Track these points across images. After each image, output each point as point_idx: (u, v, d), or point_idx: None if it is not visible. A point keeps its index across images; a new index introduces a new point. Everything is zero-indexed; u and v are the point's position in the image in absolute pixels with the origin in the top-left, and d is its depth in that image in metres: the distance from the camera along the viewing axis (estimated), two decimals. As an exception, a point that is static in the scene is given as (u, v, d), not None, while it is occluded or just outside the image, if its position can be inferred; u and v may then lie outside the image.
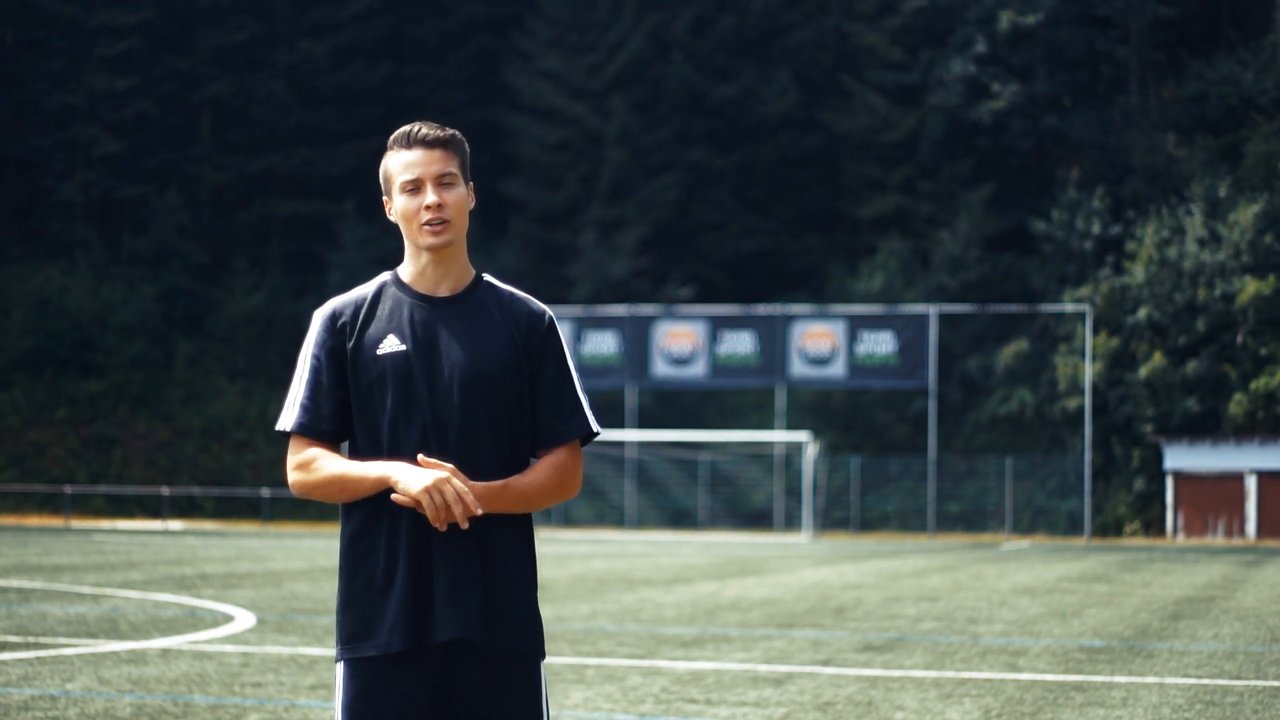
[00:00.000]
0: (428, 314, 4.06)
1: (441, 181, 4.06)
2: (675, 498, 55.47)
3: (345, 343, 4.06)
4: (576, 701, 10.11)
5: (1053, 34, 61.02)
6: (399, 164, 4.07)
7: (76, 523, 51.15)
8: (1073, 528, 51.63)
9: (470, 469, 3.97)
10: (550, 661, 11.93)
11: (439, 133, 4.07)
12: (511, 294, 4.15)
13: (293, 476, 4.03)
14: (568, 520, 53.82)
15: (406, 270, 4.13)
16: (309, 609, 17.20)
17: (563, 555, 31.78)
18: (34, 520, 52.79)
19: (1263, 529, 49.34)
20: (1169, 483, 50.88)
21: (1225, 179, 55.46)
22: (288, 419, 4.04)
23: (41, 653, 12.44)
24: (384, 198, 4.14)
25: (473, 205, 4.14)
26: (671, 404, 58.85)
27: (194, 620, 15.66)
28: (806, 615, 17.33)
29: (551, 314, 4.16)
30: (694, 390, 57.15)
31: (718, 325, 54.04)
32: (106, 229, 66.85)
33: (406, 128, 4.10)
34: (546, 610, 16.05)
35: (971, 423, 56.57)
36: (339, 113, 68.65)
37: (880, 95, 64.49)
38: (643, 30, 66.84)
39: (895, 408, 57.71)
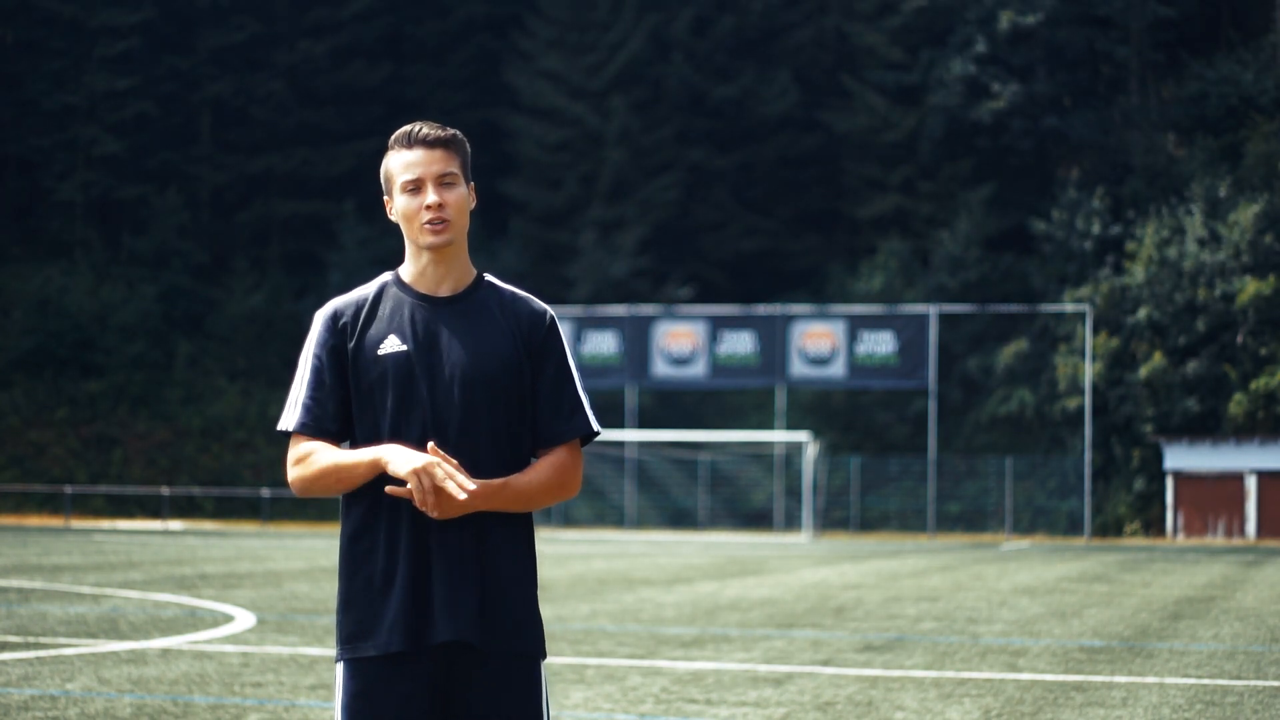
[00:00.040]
0: (429, 314, 4.06)
1: (442, 181, 4.06)
2: (675, 498, 55.47)
3: (346, 342, 4.06)
4: (576, 701, 10.11)
5: (1053, 34, 61.02)
6: (400, 164, 4.07)
7: (76, 523, 51.15)
8: (1073, 528, 51.63)
9: (471, 468, 3.97)
10: (550, 661, 11.93)
11: (440, 132, 4.07)
12: (513, 293, 4.15)
13: (291, 474, 4.03)
14: (568, 520, 53.81)
15: (407, 270, 4.13)
16: (309, 609, 17.20)
17: (563, 555, 31.78)
18: (34, 520, 52.79)
19: (1263, 529, 49.34)
20: (1169, 483, 50.88)
21: (1225, 179, 55.46)
22: (289, 419, 4.04)
23: (41, 653, 12.44)
24: (385, 197, 4.14)
25: (474, 205, 4.14)
26: (671, 404, 58.85)
27: (194, 620, 15.66)
28: (806, 615, 17.33)
29: (553, 313, 4.16)
30: (694, 390, 57.15)
31: (718, 325, 54.05)
32: (106, 229, 66.85)
33: (407, 127, 4.10)
34: (546, 610, 16.05)
35: (971, 423, 56.57)
36: (339, 113, 68.65)
37: (880, 95, 64.50)
38: (643, 30, 66.84)
39: (895, 408, 57.71)
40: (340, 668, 4.03)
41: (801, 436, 50.41)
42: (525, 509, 4.05)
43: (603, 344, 54.31)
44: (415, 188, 4.06)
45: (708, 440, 53.32)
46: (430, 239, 4.04)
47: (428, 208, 4.04)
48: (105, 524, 51.04)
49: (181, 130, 68.31)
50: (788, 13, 67.90)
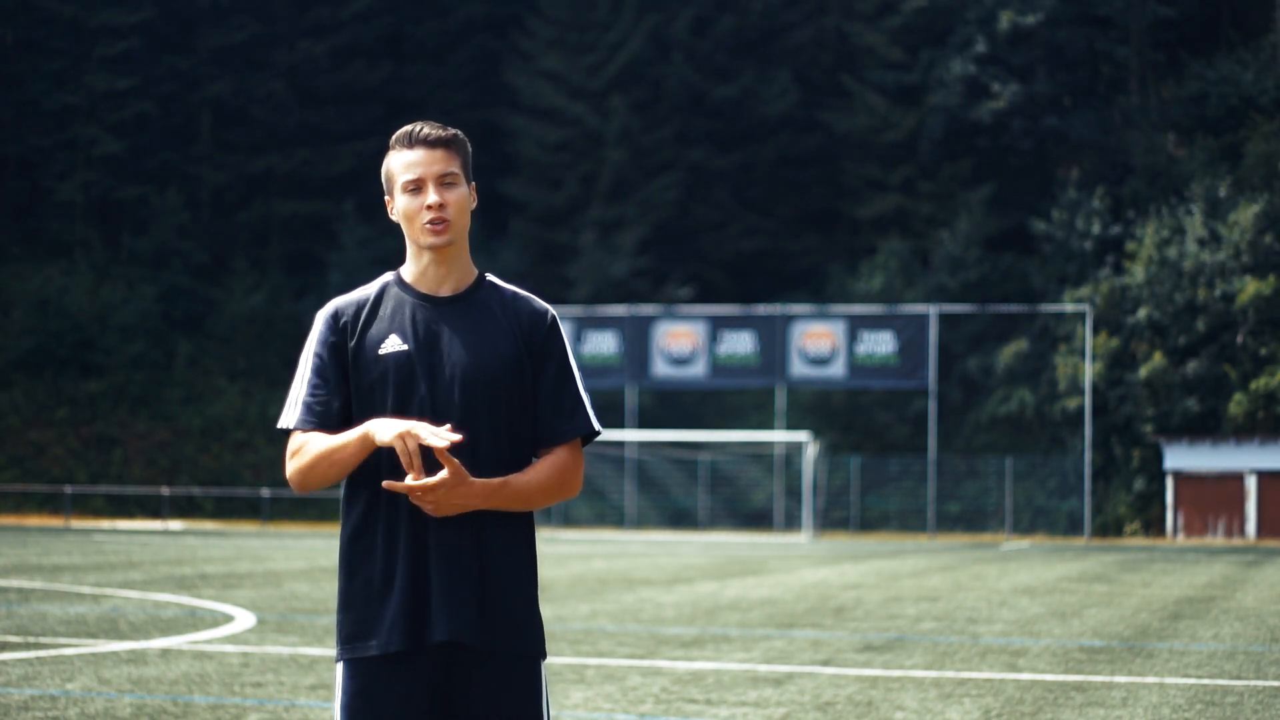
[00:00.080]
0: (430, 314, 4.06)
1: (443, 181, 4.06)
2: (675, 498, 55.46)
3: (347, 341, 4.06)
4: (576, 701, 10.11)
5: (1053, 34, 61.02)
6: (401, 164, 4.07)
7: (76, 523, 51.15)
8: (1073, 528, 51.64)
9: (471, 468, 3.97)
10: (550, 661, 11.93)
11: (441, 132, 4.07)
12: (514, 293, 4.15)
13: (289, 468, 4.03)
14: (568, 520, 53.82)
15: (409, 270, 4.13)
16: (309, 609, 17.20)
17: (563, 555, 31.78)
18: (34, 520, 52.79)
19: (1263, 529, 49.34)
20: (1169, 483, 50.88)
21: (1225, 179, 55.47)
22: (289, 417, 4.04)
23: (41, 653, 12.44)
24: (386, 197, 4.14)
25: (474, 205, 4.14)
26: (671, 404, 58.85)
27: (194, 620, 15.66)
28: (806, 615, 17.33)
29: (554, 313, 4.16)
30: (694, 390, 57.16)
31: (718, 325, 54.05)
32: (106, 229, 66.86)
33: (408, 127, 4.10)
34: (546, 610, 16.06)
35: (971, 423, 56.58)
36: (339, 113, 68.66)
37: (880, 95, 64.50)
38: (643, 30, 66.84)
39: (895, 408, 57.71)
40: (340, 668, 4.03)
41: (801, 436, 50.41)
42: (525, 508, 4.05)
43: (603, 344, 54.31)
44: (416, 188, 4.06)
45: (708, 440, 53.32)
46: (431, 239, 4.04)
47: (429, 207, 4.04)
48: (105, 524, 51.04)
49: (181, 130, 68.32)
50: (788, 13, 67.90)
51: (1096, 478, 53.05)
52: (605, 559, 30.80)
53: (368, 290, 4.14)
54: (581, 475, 4.14)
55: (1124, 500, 52.42)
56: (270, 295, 64.12)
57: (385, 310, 4.08)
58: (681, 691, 10.69)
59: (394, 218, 4.11)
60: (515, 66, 67.69)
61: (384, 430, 3.88)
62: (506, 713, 4.00)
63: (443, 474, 3.87)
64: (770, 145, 67.02)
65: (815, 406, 57.44)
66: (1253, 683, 11.67)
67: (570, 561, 29.10)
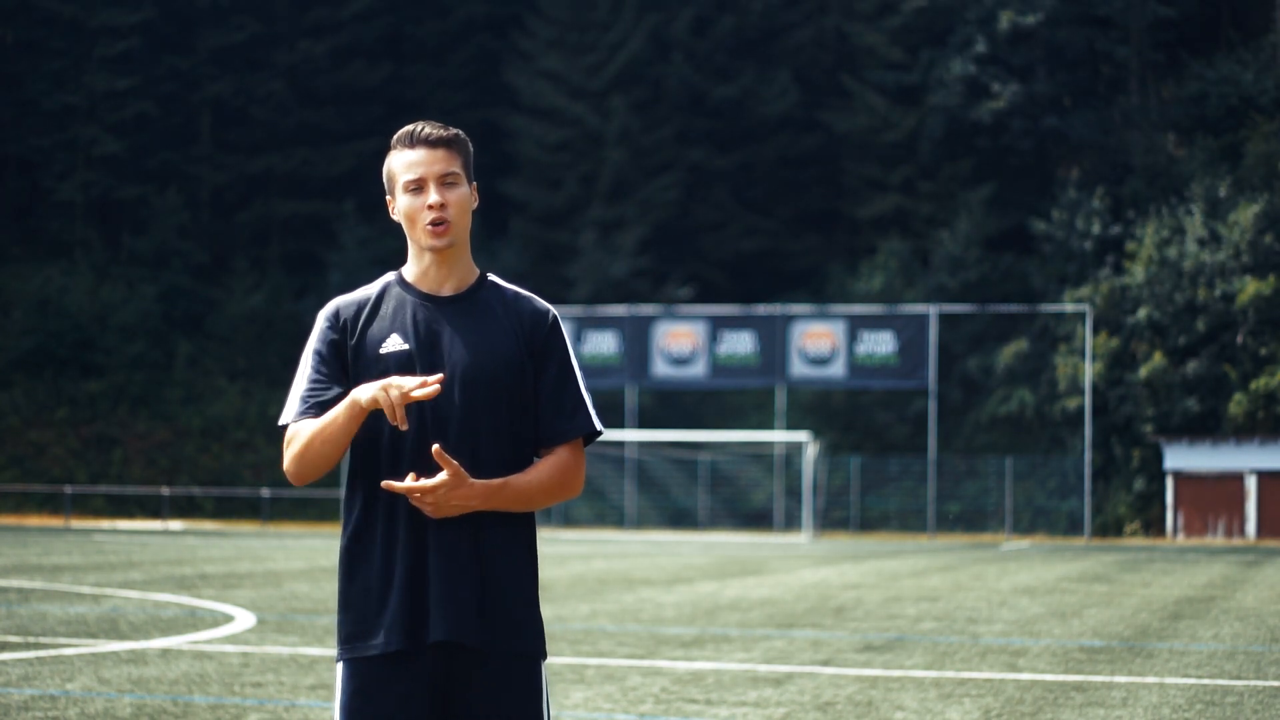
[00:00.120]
0: (431, 313, 4.06)
1: (444, 181, 4.06)
2: (675, 498, 55.47)
3: (347, 340, 4.06)
4: (576, 701, 10.11)
5: (1053, 34, 61.02)
6: (402, 163, 4.07)
7: (76, 523, 51.15)
8: (1073, 528, 51.63)
9: (471, 468, 3.97)
10: (550, 661, 11.93)
11: (442, 132, 4.07)
12: (515, 293, 4.15)
13: (286, 459, 4.02)
14: (568, 520, 53.82)
15: (410, 270, 4.13)
16: (309, 609, 17.20)
17: (563, 555, 31.78)
18: (34, 520, 52.79)
19: (1263, 529, 49.34)
20: (1169, 483, 50.87)
21: (1225, 179, 55.46)
22: (289, 413, 4.04)
23: (41, 653, 12.44)
24: (387, 197, 4.14)
25: (476, 205, 4.14)
26: (671, 404, 58.86)
27: (194, 620, 15.66)
28: (806, 615, 17.33)
29: (555, 312, 4.16)
30: (694, 390, 57.15)
31: (718, 325, 54.05)
32: (106, 229, 66.85)
33: (410, 127, 4.09)
34: (546, 610, 16.05)
35: (971, 423, 56.57)
36: (339, 113, 68.65)
37: (880, 95, 64.50)
38: (643, 30, 66.84)
39: (895, 408, 57.71)
40: (340, 667, 4.04)
41: (801, 436, 50.41)
42: (526, 509, 4.04)
43: (603, 344, 54.31)
44: (417, 187, 4.06)
45: (708, 440, 53.32)
46: (432, 239, 4.04)
47: (430, 207, 4.04)
48: (105, 524, 51.04)
49: (181, 130, 68.31)
50: (788, 13, 67.90)
51: (1096, 478, 53.05)
52: (605, 559, 30.80)
53: (369, 290, 4.14)
54: (583, 475, 4.13)
55: (1124, 500, 52.41)
56: (270, 295, 64.12)
57: (386, 309, 4.08)
58: (681, 691, 10.69)
59: (395, 217, 4.11)
60: (515, 66, 67.69)
61: (365, 390, 3.88)
62: (506, 713, 4.00)
63: (442, 475, 3.88)
64: (770, 145, 67.03)
65: (815, 406, 57.44)
66: (1253, 683, 11.68)
67: (570, 561, 29.11)
